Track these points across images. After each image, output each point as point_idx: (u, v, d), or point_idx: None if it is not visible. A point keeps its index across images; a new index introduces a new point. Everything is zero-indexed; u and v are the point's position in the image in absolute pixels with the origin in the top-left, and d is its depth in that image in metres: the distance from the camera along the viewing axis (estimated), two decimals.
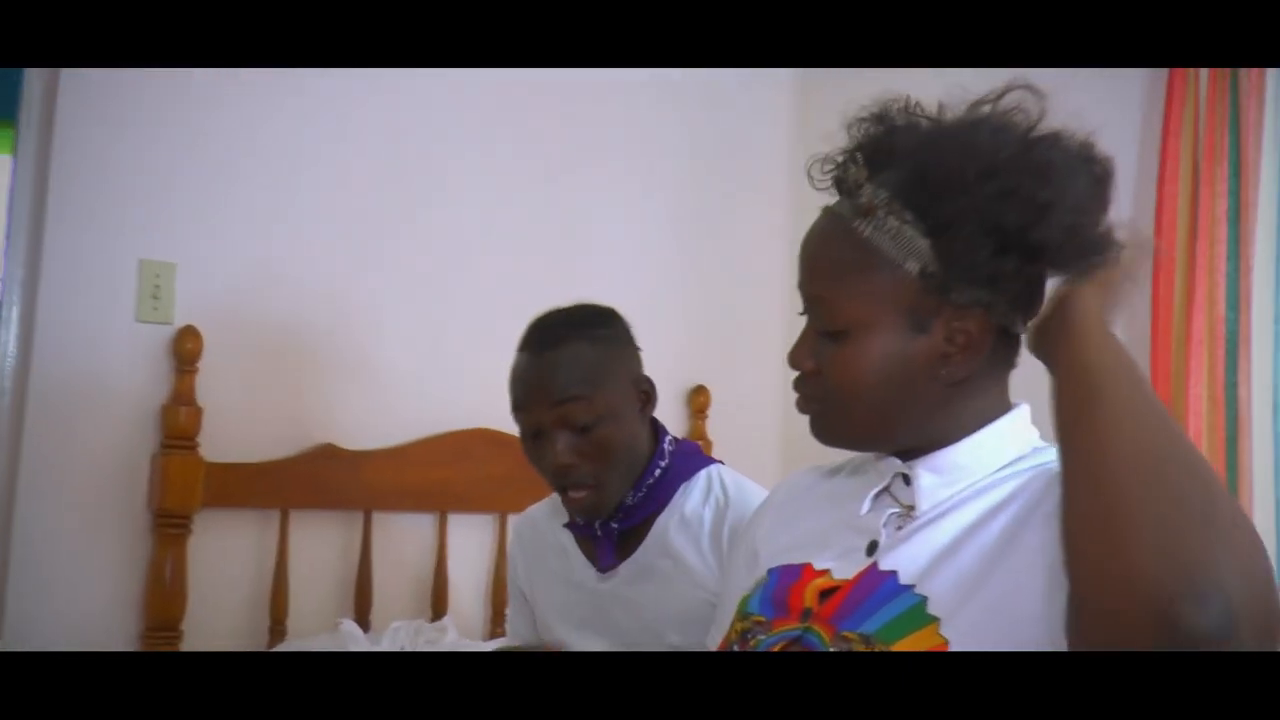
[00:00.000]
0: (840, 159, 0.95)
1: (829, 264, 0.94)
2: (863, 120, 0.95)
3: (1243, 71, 2.34)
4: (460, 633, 2.31)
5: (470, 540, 2.54)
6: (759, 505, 1.13)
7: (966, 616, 0.83)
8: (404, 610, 2.39)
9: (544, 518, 1.59)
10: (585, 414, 1.34)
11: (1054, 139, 0.90)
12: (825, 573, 0.94)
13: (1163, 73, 2.45)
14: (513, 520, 2.60)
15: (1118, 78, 2.42)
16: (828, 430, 0.97)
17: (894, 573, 0.88)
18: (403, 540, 2.43)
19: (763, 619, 0.95)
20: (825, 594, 0.91)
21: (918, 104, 0.95)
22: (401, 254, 2.45)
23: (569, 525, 1.49)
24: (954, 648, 0.82)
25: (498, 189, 2.60)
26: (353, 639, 2.06)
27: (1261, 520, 2.20)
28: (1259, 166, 2.33)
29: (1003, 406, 0.95)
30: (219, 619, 2.15)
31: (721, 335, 2.95)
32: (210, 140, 2.18)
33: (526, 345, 1.41)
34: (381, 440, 2.37)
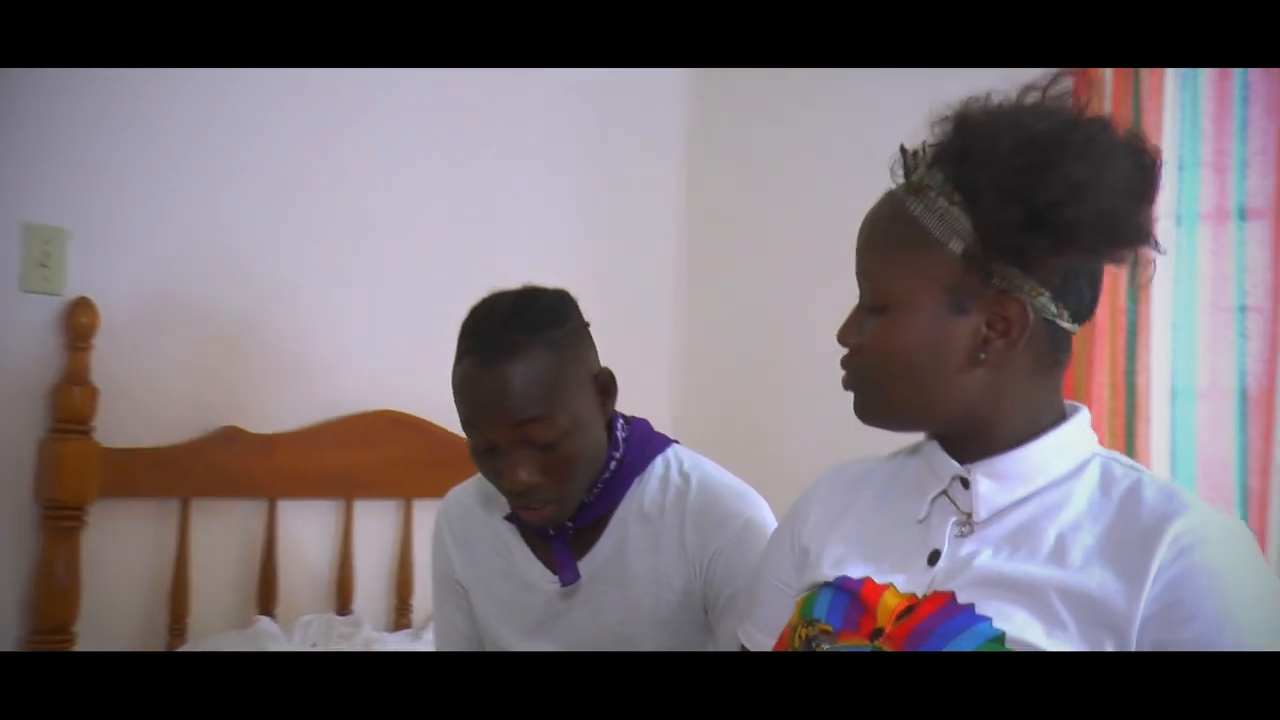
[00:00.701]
0: (909, 149, 0.93)
1: (879, 240, 0.95)
2: (943, 118, 0.93)
3: (1144, 72, 2.44)
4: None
5: (375, 528, 2.42)
6: (802, 499, 1.09)
7: (1042, 646, 0.82)
8: (308, 603, 2.26)
9: (477, 504, 1.47)
10: (548, 433, 1.23)
11: (1099, 122, 0.90)
12: (889, 587, 0.92)
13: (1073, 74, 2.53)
14: (437, 505, 2.54)
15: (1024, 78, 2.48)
16: (866, 407, 0.97)
17: (971, 605, 0.86)
18: (306, 529, 2.30)
19: (829, 629, 0.93)
20: (900, 615, 0.89)
21: (988, 96, 0.93)
22: (309, 234, 2.31)
23: (511, 518, 1.38)
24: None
25: (405, 176, 2.49)
26: (270, 637, 1.93)
27: None
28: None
29: (1058, 409, 0.95)
30: (115, 619, 1.98)
31: (614, 325, 2.93)
32: (113, 96, 1.99)
33: (477, 352, 1.26)
34: (286, 423, 2.24)
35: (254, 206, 2.22)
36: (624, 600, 1.33)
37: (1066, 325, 0.91)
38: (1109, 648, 0.81)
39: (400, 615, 2.43)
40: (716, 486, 1.35)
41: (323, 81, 2.27)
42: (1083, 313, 0.92)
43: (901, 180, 0.94)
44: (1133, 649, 0.80)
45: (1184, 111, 2.43)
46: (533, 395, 1.22)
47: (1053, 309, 0.89)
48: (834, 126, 2.92)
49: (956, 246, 0.89)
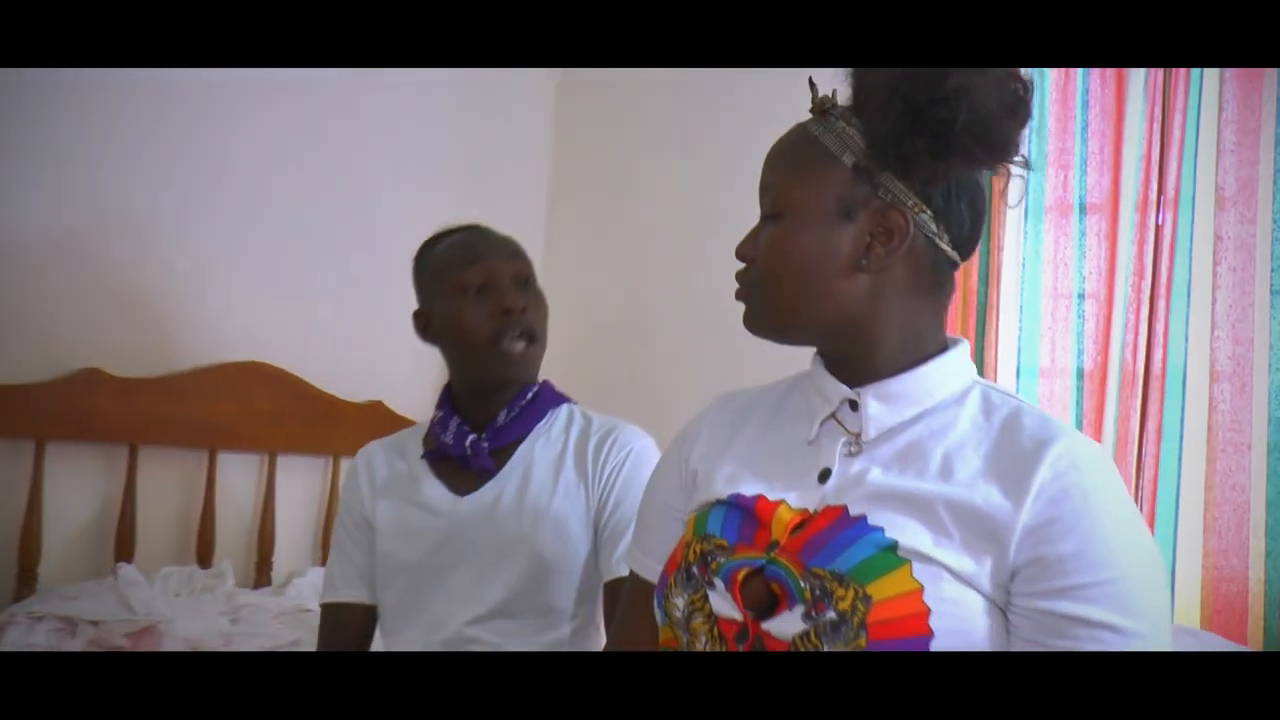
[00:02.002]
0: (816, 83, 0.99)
1: (783, 156, 1.01)
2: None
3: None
4: None
5: (237, 481, 2.37)
6: (689, 427, 1.13)
7: (931, 554, 0.88)
8: (166, 554, 2.19)
9: (390, 451, 1.59)
10: (528, 269, 1.50)
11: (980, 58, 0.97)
12: (782, 502, 0.96)
13: None
14: (302, 461, 2.50)
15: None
16: (755, 314, 1.01)
17: (863, 516, 0.91)
18: (167, 478, 2.22)
19: (725, 543, 0.95)
20: (795, 529, 0.93)
21: None
22: (184, 178, 2.23)
23: (427, 455, 1.51)
24: (923, 585, 0.86)
25: (278, 142, 2.46)
26: (133, 584, 1.86)
27: None
28: None
29: (941, 339, 1.01)
30: None
31: None
32: None
33: (467, 228, 1.55)
34: (150, 369, 2.16)
35: (136, 162, 2.14)
36: (526, 514, 1.43)
37: (946, 248, 0.97)
38: (990, 557, 0.87)
39: (260, 573, 2.38)
40: (615, 423, 1.53)
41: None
42: (963, 242, 0.98)
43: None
44: (1010, 558, 0.87)
45: (1033, 111, 2.60)
46: (517, 244, 1.54)
47: (933, 227, 0.95)
48: (689, 125, 3.02)
49: (849, 160, 0.95)
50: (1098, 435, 2.44)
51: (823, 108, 0.99)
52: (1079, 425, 2.47)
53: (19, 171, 1.97)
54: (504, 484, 1.47)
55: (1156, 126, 2.46)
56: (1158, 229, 2.45)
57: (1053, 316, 2.55)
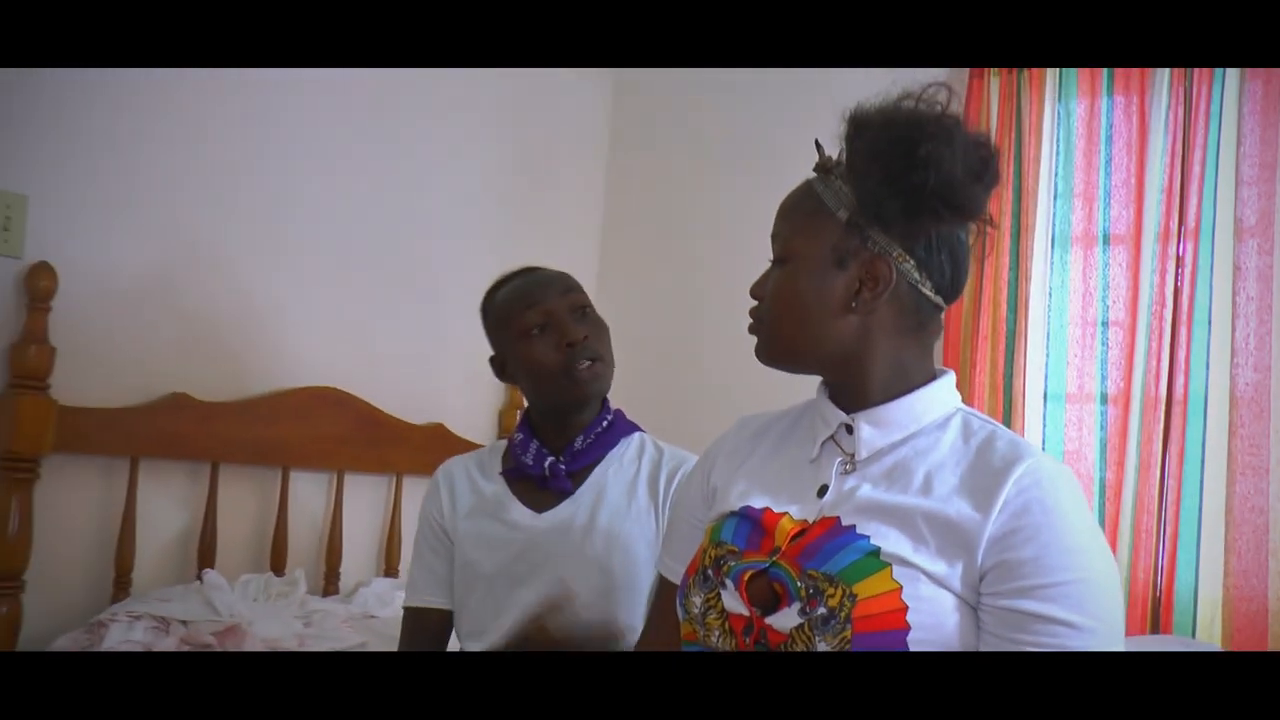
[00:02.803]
0: (821, 144, 1.14)
1: (790, 209, 1.16)
2: (847, 116, 1.12)
3: (1025, 109, 2.72)
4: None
5: (307, 497, 2.55)
6: (711, 447, 1.28)
7: (910, 559, 1.01)
8: (244, 563, 2.38)
9: (470, 468, 1.71)
10: (583, 299, 1.63)
11: (952, 118, 1.08)
12: (785, 514, 1.10)
13: (959, 99, 2.80)
14: (366, 479, 2.68)
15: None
16: (764, 346, 1.16)
17: (853, 526, 1.04)
18: (244, 494, 2.41)
19: (735, 549, 1.10)
20: (794, 537, 1.07)
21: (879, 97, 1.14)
22: (259, 215, 2.44)
23: (506, 472, 1.64)
24: (902, 585, 0.99)
25: (347, 175, 2.65)
26: (217, 589, 2.05)
27: None
28: (1036, 192, 2.72)
29: (929, 371, 1.15)
30: (62, 570, 2.07)
31: None
32: (80, 71, 2.09)
33: (525, 272, 1.68)
34: (230, 394, 2.36)
35: (209, 193, 2.34)
36: (598, 533, 1.55)
37: (929, 294, 1.10)
38: (961, 561, 1.00)
39: (329, 582, 2.56)
40: (686, 456, 1.64)
41: (279, 81, 2.42)
42: (945, 289, 1.11)
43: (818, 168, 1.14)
44: (979, 562, 1.00)
45: (1059, 146, 2.72)
46: (569, 277, 1.67)
47: (916, 275, 1.09)
48: (744, 130, 3.16)
49: (843, 215, 1.09)
50: (1121, 459, 2.53)
51: (825, 167, 1.13)
52: (1103, 449, 2.57)
53: (114, 215, 2.18)
54: (579, 504, 1.58)
55: (1177, 160, 2.55)
56: (1179, 259, 2.54)
57: (1079, 344, 2.65)
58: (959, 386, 2.64)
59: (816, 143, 1.15)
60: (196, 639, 1.91)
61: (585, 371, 1.56)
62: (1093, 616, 0.97)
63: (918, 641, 0.97)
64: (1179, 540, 2.47)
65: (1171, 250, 2.55)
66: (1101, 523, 2.55)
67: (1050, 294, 2.70)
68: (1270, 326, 2.42)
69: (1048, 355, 2.68)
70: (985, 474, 1.03)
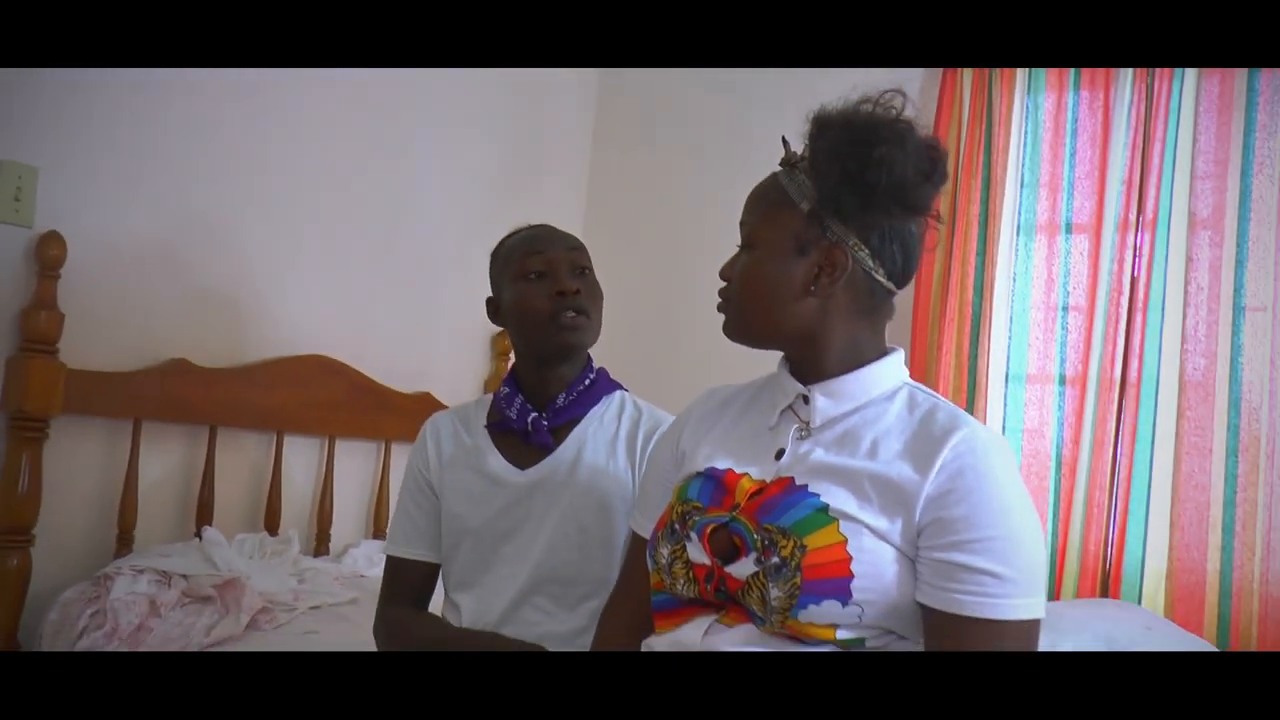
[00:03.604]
0: (788, 140, 1.25)
1: (758, 199, 1.27)
2: (812, 116, 1.23)
3: (996, 102, 2.84)
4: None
5: (300, 461, 2.66)
6: (681, 415, 1.40)
7: (855, 515, 1.12)
8: (238, 522, 2.49)
9: (455, 421, 1.75)
10: (586, 261, 1.68)
11: (906, 122, 1.19)
12: (745, 475, 1.22)
13: (932, 93, 2.92)
14: (356, 445, 2.78)
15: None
16: (730, 325, 1.27)
17: (805, 485, 1.16)
18: (241, 457, 2.52)
19: (699, 505, 1.22)
20: (752, 495, 1.19)
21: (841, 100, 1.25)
22: (260, 190, 2.54)
23: (491, 425, 1.69)
24: (847, 538, 1.11)
25: (341, 156, 2.74)
26: (216, 545, 2.16)
27: None
28: (1004, 181, 2.84)
29: (880, 348, 1.26)
30: (69, 525, 2.18)
31: None
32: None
33: (532, 226, 1.75)
34: (228, 360, 2.46)
35: (212, 168, 2.43)
36: (577, 490, 1.62)
37: (882, 280, 1.22)
38: (900, 518, 1.12)
39: (320, 542, 2.67)
40: (663, 417, 1.69)
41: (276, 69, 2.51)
42: (896, 275, 1.23)
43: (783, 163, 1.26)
44: (916, 519, 1.12)
45: (1027, 138, 2.84)
46: (574, 237, 1.72)
47: (870, 263, 1.20)
48: (721, 126, 3.28)
49: (805, 206, 1.20)
50: (1077, 437, 2.67)
51: (790, 162, 1.24)
52: (1060, 427, 2.71)
53: (121, 187, 2.27)
54: (559, 460, 1.62)
55: (1138, 154, 2.67)
56: (1136, 248, 2.66)
57: (1040, 327, 2.77)
58: (926, 366, 2.79)
59: (784, 139, 1.26)
60: (197, 592, 2.03)
61: (569, 320, 1.61)
62: (1015, 569, 1.09)
63: (860, 589, 1.09)
64: (1129, 514, 2.60)
65: (1130, 240, 2.67)
66: (1057, 496, 2.69)
67: (1014, 279, 2.82)
68: (1219, 315, 2.55)
69: (1010, 338, 2.81)
70: (926, 441, 1.15)
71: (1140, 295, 2.64)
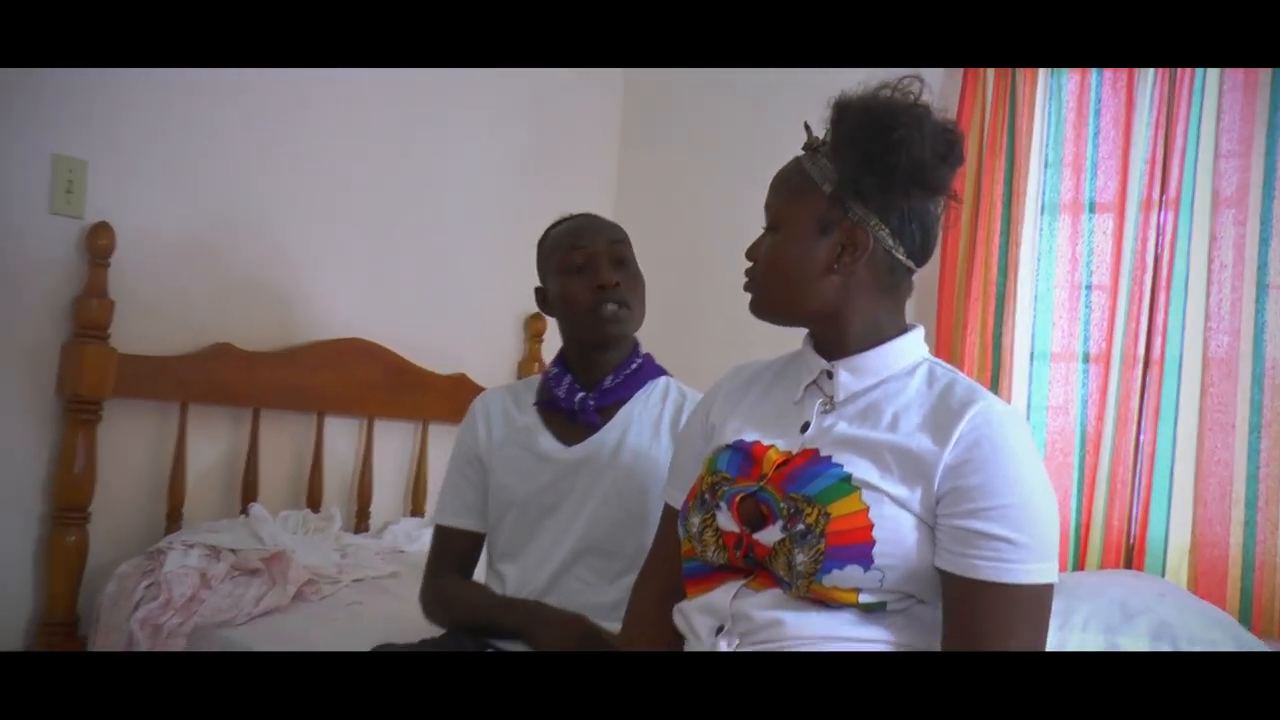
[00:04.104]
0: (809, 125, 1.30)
1: (779, 182, 1.32)
2: (832, 103, 1.28)
3: (1020, 83, 2.86)
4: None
5: (340, 441, 2.75)
6: (710, 391, 1.46)
7: (876, 484, 1.18)
8: (282, 500, 2.58)
9: (505, 400, 1.82)
10: (627, 252, 1.74)
11: (923, 106, 1.24)
12: (772, 447, 1.27)
13: (956, 74, 2.94)
14: (394, 425, 2.85)
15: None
16: (757, 303, 1.32)
17: (829, 456, 1.22)
18: (283, 437, 2.61)
19: (729, 476, 1.27)
20: (779, 466, 1.25)
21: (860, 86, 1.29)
22: (298, 181, 2.63)
23: (540, 404, 1.76)
24: (869, 506, 1.16)
25: (374, 146, 2.82)
26: (262, 521, 2.25)
27: None
28: (1029, 161, 2.87)
29: (900, 325, 1.31)
30: (122, 503, 2.27)
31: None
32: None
33: (577, 216, 1.79)
34: (269, 344, 2.54)
35: (252, 160, 2.52)
36: (619, 470, 1.68)
37: (902, 258, 1.26)
38: (920, 487, 1.17)
39: (360, 519, 2.75)
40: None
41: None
42: (916, 253, 1.27)
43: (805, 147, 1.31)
44: (935, 488, 1.17)
45: (1051, 118, 2.86)
46: (618, 229, 1.77)
47: (890, 242, 1.25)
48: (743, 123, 3.32)
49: (827, 189, 1.25)
50: (1101, 414, 2.70)
51: (812, 146, 1.29)
52: (1084, 405, 2.74)
53: (166, 179, 2.36)
54: (604, 439, 1.69)
55: (1161, 133, 2.69)
56: (1159, 227, 2.68)
57: (1064, 306, 2.80)
58: (951, 345, 2.83)
59: (805, 125, 1.31)
60: (245, 565, 2.11)
61: (609, 313, 1.67)
62: (1029, 535, 1.14)
63: (881, 554, 1.15)
64: (1153, 490, 2.63)
65: (1153, 219, 2.69)
66: (1081, 473, 2.72)
67: (1039, 259, 2.85)
68: (1242, 293, 2.56)
69: (1035, 316, 2.84)
70: (944, 414, 1.20)
71: (1164, 273, 2.66)
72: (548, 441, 1.73)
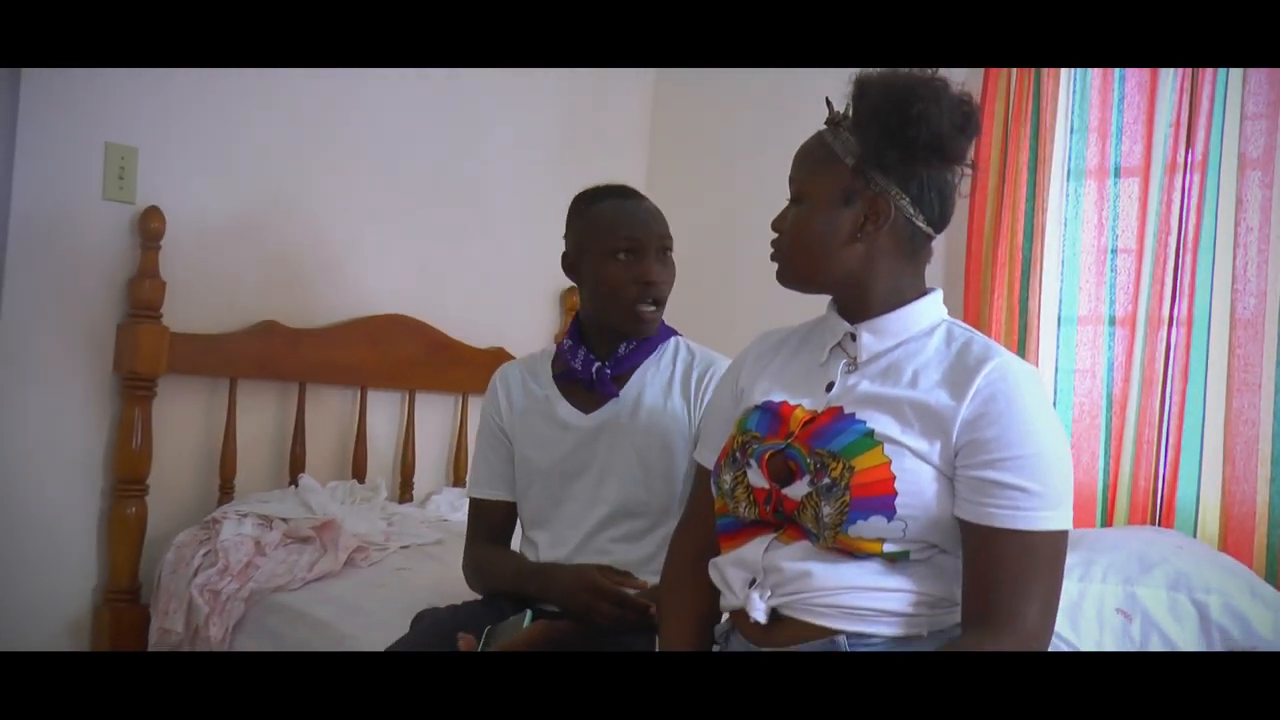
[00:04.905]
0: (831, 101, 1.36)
1: (803, 156, 1.37)
2: (853, 82, 1.33)
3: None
4: None
5: (383, 415, 2.83)
6: (739, 357, 1.52)
7: (898, 439, 1.24)
8: (328, 472, 2.67)
9: (524, 371, 1.87)
10: (669, 240, 1.76)
11: (941, 80, 1.29)
12: (799, 406, 1.34)
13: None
14: (434, 398, 2.94)
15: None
16: (784, 273, 1.38)
17: (853, 414, 1.28)
18: (328, 411, 2.70)
19: (758, 435, 1.34)
20: (805, 424, 1.31)
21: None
22: (338, 162, 2.71)
23: (557, 375, 1.81)
24: (891, 459, 1.23)
25: (414, 129, 2.89)
26: (312, 491, 2.34)
27: None
28: (1054, 127, 2.89)
29: (920, 288, 1.37)
30: (177, 475, 2.38)
31: None
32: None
33: (621, 194, 1.79)
34: (313, 321, 2.63)
35: (293, 144, 2.61)
36: (639, 430, 1.74)
37: (922, 225, 1.32)
38: (939, 441, 1.23)
39: (404, 490, 2.84)
40: (714, 358, 1.81)
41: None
42: (935, 220, 1.33)
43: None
44: (953, 441, 1.23)
45: (1076, 84, 2.88)
46: (665, 224, 1.78)
47: (910, 210, 1.31)
48: (769, 122, 3.37)
49: (849, 161, 1.30)
50: (1127, 376, 2.73)
51: (834, 120, 1.35)
52: (1110, 368, 2.77)
53: (212, 164, 2.44)
54: (621, 405, 1.75)
55: (1185, 97, 2.70)
56: (1185, 190, 2.69)
57: (1090, 270, 2.82)
58: (980, 310, 2.88)
59: (827, 100, 1.36)
60: (297, 533, 2.21)
61: (647, 313, 1.72)
62: (1043, 484, 1.20)
63: (903, 505, 1.21)
64: (1182, 449, 2.66)
65: (1178, 182, 2.71)
66: (1108, 434, 2.76)
67: (1065, 223, 2.87)
68: (1269, 256, 2.57)
69: (1062, 280, 2.86)
70: (961, 371, 1.26)
71: (1189, 236, 2.68)
72: (566, 410, 1.78)
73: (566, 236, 1.81)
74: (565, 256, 1.81)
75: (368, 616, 1.92)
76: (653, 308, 1.73)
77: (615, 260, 1.71)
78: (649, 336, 1.78)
